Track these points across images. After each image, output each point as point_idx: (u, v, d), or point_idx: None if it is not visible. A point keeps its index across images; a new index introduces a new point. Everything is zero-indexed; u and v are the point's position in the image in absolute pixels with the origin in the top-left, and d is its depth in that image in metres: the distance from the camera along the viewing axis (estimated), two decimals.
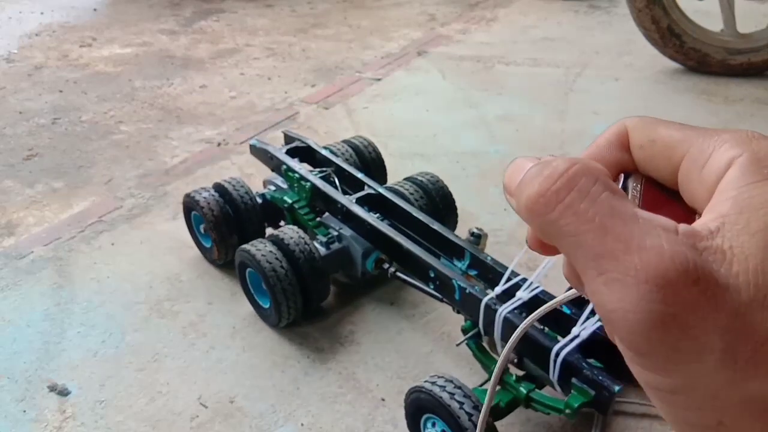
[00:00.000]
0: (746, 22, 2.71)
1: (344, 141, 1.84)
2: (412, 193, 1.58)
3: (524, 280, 1.18)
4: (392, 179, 1.78)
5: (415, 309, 1.52)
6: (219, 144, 2.35)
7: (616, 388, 1.01)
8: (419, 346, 1.42)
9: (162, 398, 1.31)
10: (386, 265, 1.47)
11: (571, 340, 1.06)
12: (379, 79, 2.87)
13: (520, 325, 0.26)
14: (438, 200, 1.62)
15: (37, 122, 2.56)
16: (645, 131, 0.26)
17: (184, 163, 2.22)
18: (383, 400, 1.30)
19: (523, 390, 1.12)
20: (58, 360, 1.41)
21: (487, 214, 1.84)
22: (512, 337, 0.26)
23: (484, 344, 1.22)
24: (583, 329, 1.06)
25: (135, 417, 1.27)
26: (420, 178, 1.65)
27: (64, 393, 1.32)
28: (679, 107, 2.50)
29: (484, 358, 1.22)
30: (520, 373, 1.17)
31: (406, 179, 1.67)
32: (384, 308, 1.54)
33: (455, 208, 1.65)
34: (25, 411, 1.29)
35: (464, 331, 1.24)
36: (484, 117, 2.47)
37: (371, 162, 1.82)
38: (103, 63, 3.17)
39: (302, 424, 1.25)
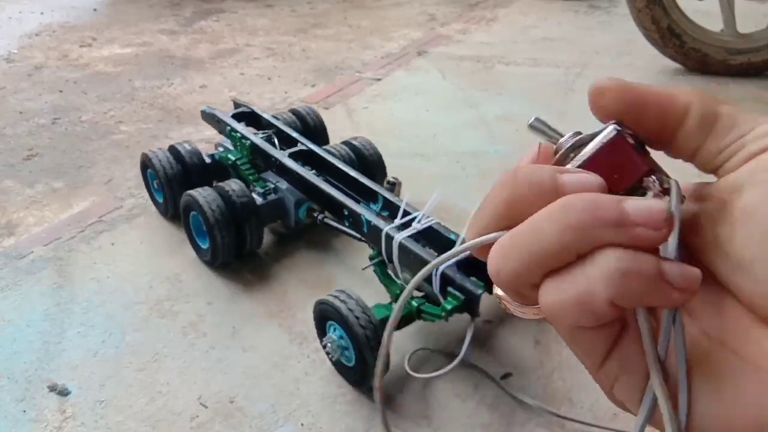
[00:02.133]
0: (746, 22, 2.71)
1: (290, 110, 2.05)
2: (340, 151, 1.79)
3: (421, 214, 1.40)
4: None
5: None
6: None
7: (479, 291, 1.20)
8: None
9: (162, 398, 1.31)
10: (316, 214, 1.65)
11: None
12: (379, 79, 2.87)
13: (431, 263, 0.30)
14: (367, 156, 1.82)
15: (37, 122, 2.56)
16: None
17: None
18: None
19: (414, 304, 1.31)
20: (58, 360, 1.41)
21: None
22: (421, 271, 0.31)
23: (389, 271, 1.41)
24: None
25: (135, 417, 1.27)
26: (353, 141, 1.86)
27: (64, 393, 1.33)
28: None
29: (388, 282, 1.41)
30: (419, 294, 1.35)
31: (341, 142, 1.87)
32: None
33: (383, 164, 1.83)
34: (25, 411, 1.29)
35: (371, 258, 1.43)
36: (484, 117, 2.47)
37: (312, 127, 2.00)
38: (103, 63, 3.17)
39: (302, 424, 1.25)
